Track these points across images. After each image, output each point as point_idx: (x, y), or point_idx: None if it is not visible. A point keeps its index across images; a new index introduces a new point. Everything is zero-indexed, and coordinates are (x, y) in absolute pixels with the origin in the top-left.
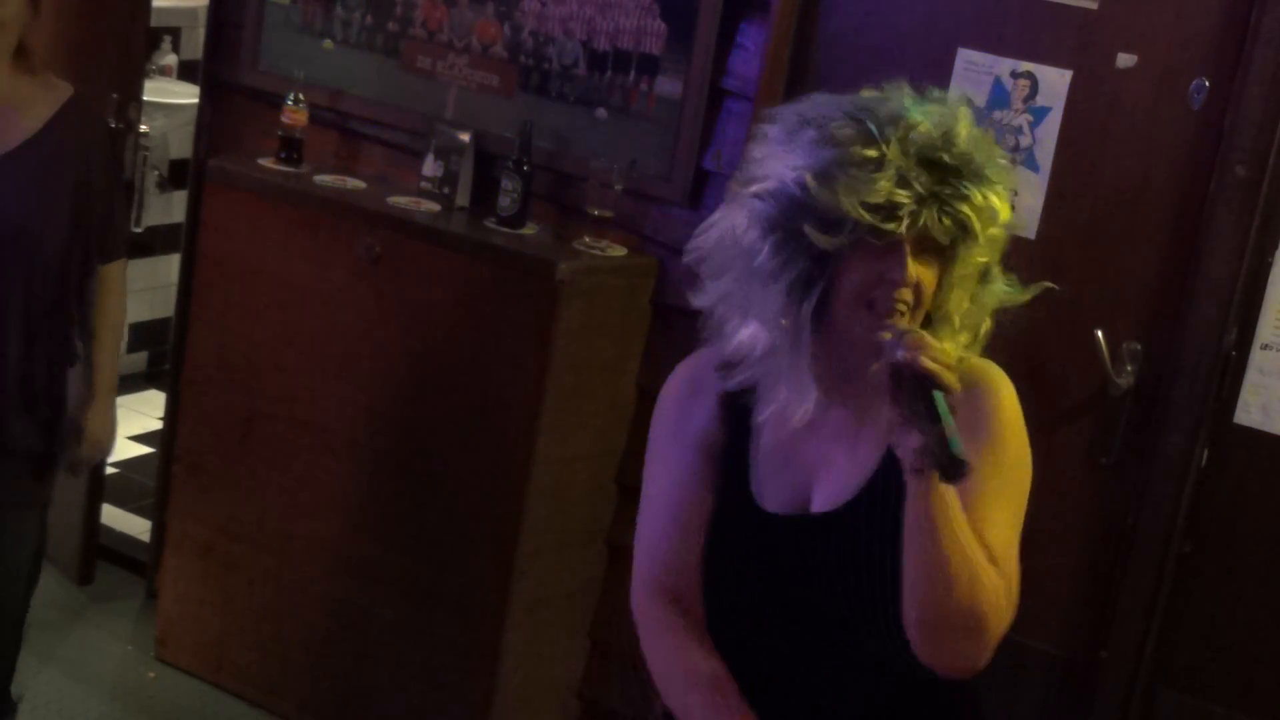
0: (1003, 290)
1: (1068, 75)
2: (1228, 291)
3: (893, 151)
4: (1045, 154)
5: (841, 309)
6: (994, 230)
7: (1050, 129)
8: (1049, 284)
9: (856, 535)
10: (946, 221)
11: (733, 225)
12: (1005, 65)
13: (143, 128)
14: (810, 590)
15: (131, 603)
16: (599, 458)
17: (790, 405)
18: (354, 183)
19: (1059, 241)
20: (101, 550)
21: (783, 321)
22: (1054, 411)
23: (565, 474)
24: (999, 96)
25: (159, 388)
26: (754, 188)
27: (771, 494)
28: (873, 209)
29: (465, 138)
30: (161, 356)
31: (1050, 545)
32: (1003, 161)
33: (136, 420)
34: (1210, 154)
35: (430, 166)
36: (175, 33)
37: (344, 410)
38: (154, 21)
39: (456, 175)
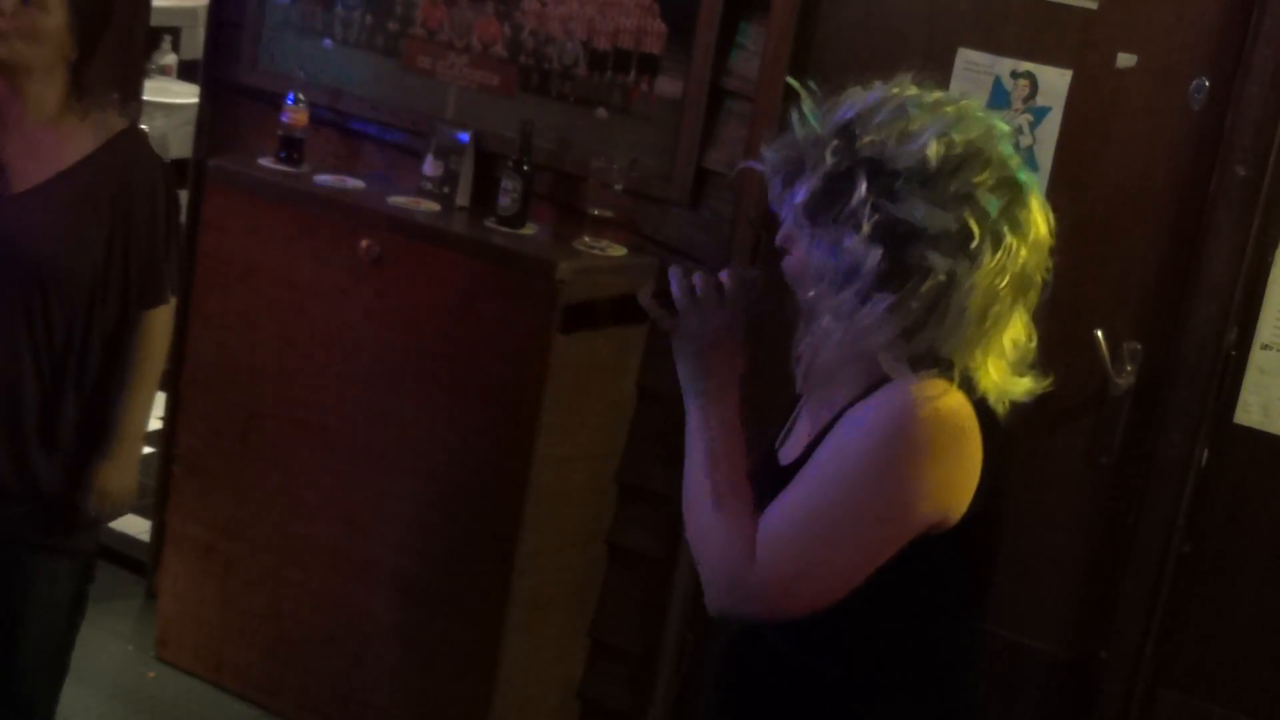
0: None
1: (1068, 75)
2: (1228, 291)
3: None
4: (1046, 154)
5: None
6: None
7: (1050, 129)
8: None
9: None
10: None
11: None
12: (1005, 65)
13: (143, 128)
14: None
15: (131, 603)
16: (599, 457)
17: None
18: (354, 183)
19: (1059, 241)
20: (101, 550)
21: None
22: (1054, 411)
23: (565, 473)
24: (999, 96)
25: (159, 388)
26: None
27: (786, 440)
28: None
29: (465, 138)
30: None
31: (1050, 545)
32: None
33: None
34: (1210, 154)
35: (430, 166)
36: (175, 32)
37: (344, 410)
38: (154, 21)
39: (456, 175)
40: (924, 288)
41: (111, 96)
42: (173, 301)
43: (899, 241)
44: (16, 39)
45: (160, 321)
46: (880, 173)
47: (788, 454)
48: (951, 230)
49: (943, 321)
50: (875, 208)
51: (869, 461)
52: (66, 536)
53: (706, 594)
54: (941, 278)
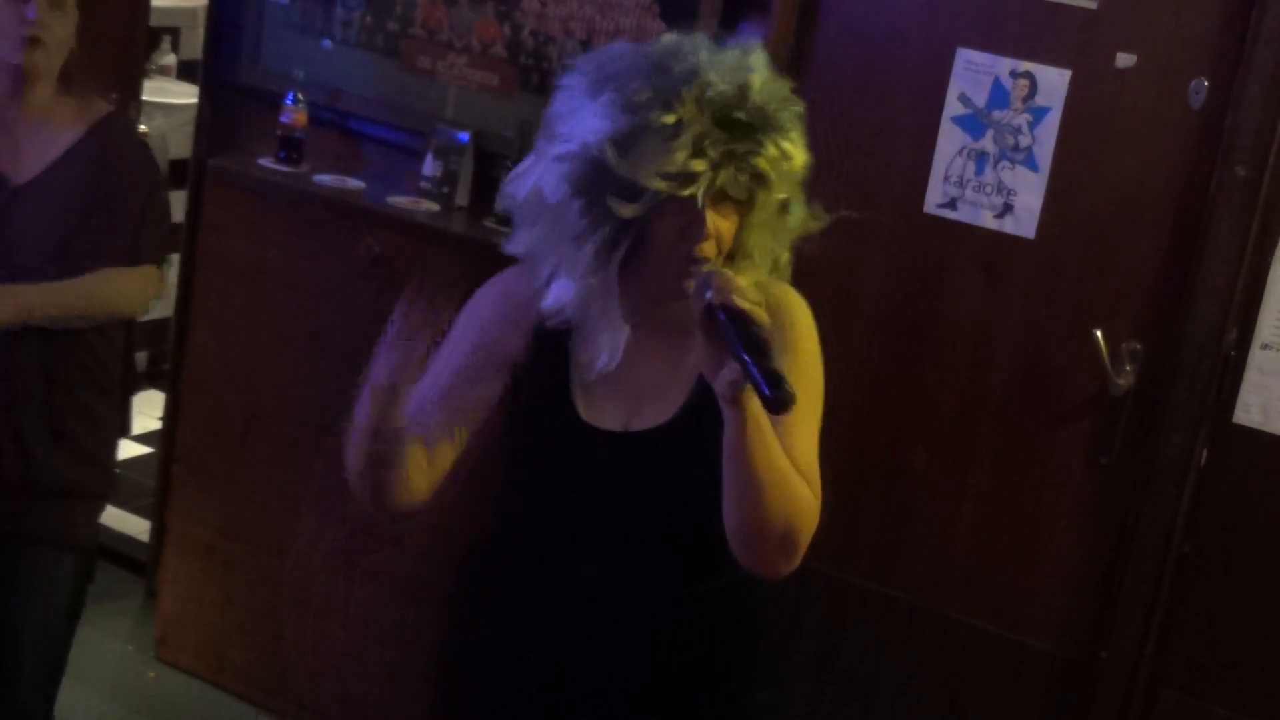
0: (801, 219)
1: (1068, 75)
2: (1228, 291)
3: (689, 115)
4: (1045, 154)
5: (651, 262)
6: (789, 168)
7: (1050, 129)
8: (843, 212)
9: (676, 453)
10: (743, 179)
11: (540, 182)
12: (1005, 65)
13: (142, 128)
14: (627, 505)
15: (131, 603)
16: None
17: (603, 351)
18: (354, 183)
19: (1059, 241)
20: (101, 550)
21: (591, 280)
22: (1054, 411)
23: None
24: (999, 96)
25: (159, 388)
26: (557, 148)
27: (600, 413)
28: (670, 177)
29: (465, 138)
30: (161, 356)
31: (1051, 545)
32: (795, 107)
33: (137, 420)
34: (1210, 154)
35: (430, 166)
36: (175, 32)
37: (344, 410)
38: (154, 21)
39: (456, 175)
40: None
41: (95, 81)
42: (148, 269)
43: None
44: (50, 48)
45: (126, 275)
46: None
47: (647, 418)
48: None
49: None
50: None
51: (819, 365)
52: (68, 531)
53: (784, 564)
54: None
